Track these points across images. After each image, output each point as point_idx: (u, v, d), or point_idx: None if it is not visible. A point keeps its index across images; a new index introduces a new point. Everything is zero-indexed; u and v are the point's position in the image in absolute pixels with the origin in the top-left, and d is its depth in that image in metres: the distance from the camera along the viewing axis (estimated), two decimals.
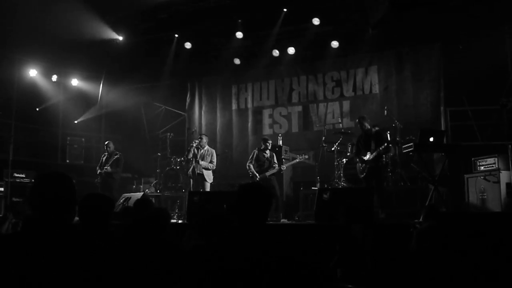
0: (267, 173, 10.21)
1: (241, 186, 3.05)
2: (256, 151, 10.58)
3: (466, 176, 8.90)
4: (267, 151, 10.43)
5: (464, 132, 10.69)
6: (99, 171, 11.33)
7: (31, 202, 2.47)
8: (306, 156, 10.92)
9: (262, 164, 10.35)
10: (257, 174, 10.17)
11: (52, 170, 2.70)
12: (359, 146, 9.29)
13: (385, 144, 8.80)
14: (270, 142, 10.62)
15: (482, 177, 8.46)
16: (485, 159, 8.64)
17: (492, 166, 8.41)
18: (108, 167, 11.11)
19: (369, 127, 9.15)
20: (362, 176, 9.05)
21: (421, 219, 5.95)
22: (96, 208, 3.52)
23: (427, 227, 4.88)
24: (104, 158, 11.45)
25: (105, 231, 3.49)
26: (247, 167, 10.41)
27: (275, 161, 10.43)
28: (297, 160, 10.68)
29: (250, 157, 10.55)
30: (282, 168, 10.38)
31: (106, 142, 11.66)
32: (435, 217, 5.79)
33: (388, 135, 10.10)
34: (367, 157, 8.89)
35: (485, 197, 8.37)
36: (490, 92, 10.34)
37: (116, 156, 11.31)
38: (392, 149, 9.78)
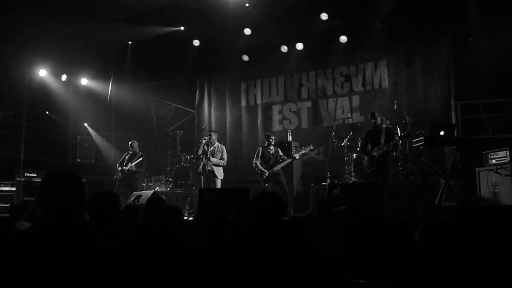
0: (275, 168, 10.23)
1: (257, 195, 3.06)
2: (260, 149, 10.61)
3: (477, 169, 8.85)
4: (272, 147, 10.48)
5: (475, 125, 10.62)
6: (120, 168, 11.33)
7: (39, 201, 2.46)
8: (311, 147, 10.80)
9: (268, 161, 10.38)
10: (265, 170, 10.19)
11: (61, 169, 2.67)
12: (366, 140, 9.27)
13: (394, 141, 8.78)
14: (273, 138, 10.69)
15: (493, 171, 8.40)
16: (497, 152, 8.58)
17: (504, 159, 8.36)
18: (133, 166, 11.15)
19: (379, 122, 9.13)
20: (369, 171, 9.03)
21: (420, 215, 5.92)
22: (102, 206, 3.53)
23: (430, 222, 4.85)
24: (128, 156, 11.44)
25: (113, 229, 3.49)
26: (254, 165, 10.43)
27: (281, 154, 10.45)
28: (303, 152, 10.61)
29: (256, 155, 10.56)
30: (295, 157, 10.38)
31: (130, 142, 11.63)
32: (435, 212, 5.77)
33: (398, 130, 10.06)
34: (375, 152, 8.86)
35: (497, 190, 8.32)
36: (501, 85, 10.27)
37: (142, 158, 11.35)
38: (399, 146, 9.72)
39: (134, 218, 5.03)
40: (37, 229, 2.41)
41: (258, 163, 10.38)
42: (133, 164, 11.14)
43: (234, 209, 6.35)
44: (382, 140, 8.87)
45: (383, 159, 8.83)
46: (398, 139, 8.93)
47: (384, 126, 9.16)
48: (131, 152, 11.46)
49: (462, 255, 4.48)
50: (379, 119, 9.13)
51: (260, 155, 10.49)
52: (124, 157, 11.47)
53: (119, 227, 3.65)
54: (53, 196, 2.45)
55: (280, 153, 10.51)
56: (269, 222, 2.86)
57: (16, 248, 2.31)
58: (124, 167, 11.17)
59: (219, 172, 10.51)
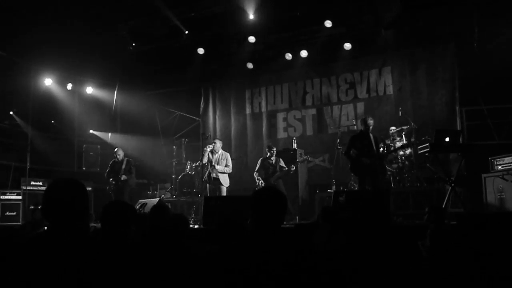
0: (271, 179, 10.41)
1: (257, 191, 3.05)
2: (260, 160, 10.89)
3: (483, 175, 8.80)
4: (273, 158, 10.70)
5: (480, 131, 10.60)
6: (111, 179, 11.42)
7: (43, 211, 2.47)
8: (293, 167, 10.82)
9: (267, 171, 10.62)
10: (261, 182, 10.45)
11: (64, 177, 2.68)
12: (352, 145, 9.12)
13: (382, 152, 9.02)
14: (275, 149, 10.89)
15: (500, 177, 8.36)
16: (503, 158, 8.54)
17: (510, 165, 8.31)
18: (124, 176, 11.24)
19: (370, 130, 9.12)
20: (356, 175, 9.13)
21: (425, 220, 5.88)
22: (120, 214, 3.51)
23: (438, 227, 4.83)
24: (115, 165, 11.54)
25: (126, 238, 3.48)
26: (254, 175, 10.70)
27: (282, 165, 10.55)
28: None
29: (257, 166, 10.82)
30: (291, 169, 10.46)
31: (115, 149, 11.74)
32: (440, 218, 5.75)
33: (404, 136, 10.12)
34: (370, 159, 8.84)
35: (503, 196, 8.27)
36: (506, 91, 10.24)
37: (128, 163, 11.43)
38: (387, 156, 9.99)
39: (142, 226, 5.03)
40: (42, 239, 2.42)
41: (256, 174, 10.67)
42: (123, 173, 11.31)
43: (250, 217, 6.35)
44: (374, 147, 8.88)
45: (375, 168, 8.85)
46: (383, 149, 9.04)
47: (371, 134, 9.12)
48: (117, 160, 11.53)
49: (470, 260, 4.46)
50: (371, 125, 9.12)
51: (259, 166, 10.76)
52: (112, 167, 11.53)
53: (128, 235, 3.64)
54: (57, 206, 2.45)
55: (281, 163, 10.64)
56: (271, 217, 2.86)
57: (21, 257, 2.32)
58: (118, 178, 11.31)
59: (225, 180, 10.54)
